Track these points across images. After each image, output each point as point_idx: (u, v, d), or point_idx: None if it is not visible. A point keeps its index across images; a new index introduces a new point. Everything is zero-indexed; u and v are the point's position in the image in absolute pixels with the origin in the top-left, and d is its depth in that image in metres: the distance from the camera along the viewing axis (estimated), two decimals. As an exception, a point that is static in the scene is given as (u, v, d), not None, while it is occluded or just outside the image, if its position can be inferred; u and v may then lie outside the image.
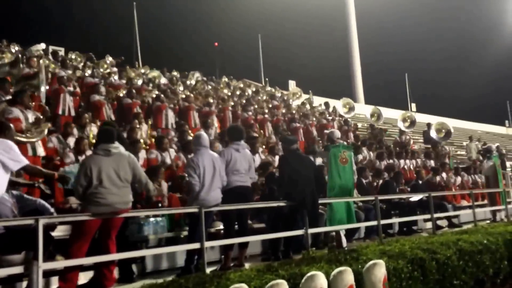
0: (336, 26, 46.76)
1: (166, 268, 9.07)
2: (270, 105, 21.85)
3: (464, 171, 19.47)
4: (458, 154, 27.59)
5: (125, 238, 8.12)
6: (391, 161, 17.94)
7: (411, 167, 18.80)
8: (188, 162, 8.76)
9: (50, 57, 18.87)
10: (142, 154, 11.25)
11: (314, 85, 33.40)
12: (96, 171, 6.86)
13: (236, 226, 9.11)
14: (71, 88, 14.31)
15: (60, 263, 6.83)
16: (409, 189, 15.07)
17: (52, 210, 7.66)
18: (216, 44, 51.56)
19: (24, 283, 6.80)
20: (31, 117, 9.74)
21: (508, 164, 24.11)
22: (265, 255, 9.98)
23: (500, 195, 15.27)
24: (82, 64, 18.80)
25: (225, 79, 25.94)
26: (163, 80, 20.47)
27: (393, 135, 25.43)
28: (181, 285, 6.11)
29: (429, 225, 13.22)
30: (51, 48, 21.91)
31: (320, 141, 18.50)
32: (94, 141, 10.76)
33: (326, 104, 25.67)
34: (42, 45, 20.92)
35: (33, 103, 10.48)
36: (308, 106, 25.23)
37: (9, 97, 10.26)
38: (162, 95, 16.93)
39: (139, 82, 18.85)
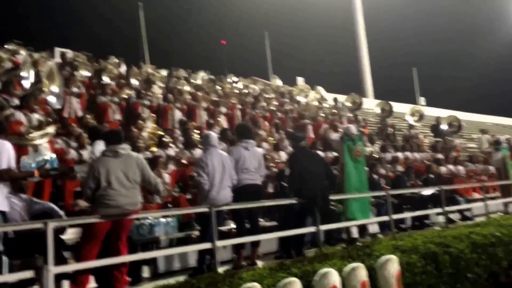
0: (344, 21, 46.50)
1: (178, 268, 9.05)
2: (277, 102, 21.74)
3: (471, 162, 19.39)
4: (468, 147, 27.38)
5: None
6: (398, 153, 17.86)
7: (422, 161, 18.66)
8: (197, 161, 8.73)
9: (59, 59, 18.79)
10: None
11: (323, 81, 33.17)
12: (105, 173, 6.82)
13: (248, 225, 9.06)
14: (76, 90, 14.27)
15: (70, 267, 6.81)
16: (420, 183, 15.00)
17: (61, 213, 7.66)
18: (223, 42, 51.35)
19: (36, 288, 6.78)
20: (36, 120, 9.72)
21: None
22: (278, 253, 9.93)
23: (511, 187, 15.16)
24: (86, 64, 18.63)
25: (232, 78, 25.83)
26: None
27: (402, 129, 25.26)
28: (193, 285, 6.07)
29: (441, 218, 13.12)
30: (58, 50, 21.82)
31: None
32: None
33: (335, 100, 25.54)
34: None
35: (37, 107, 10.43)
36: (315, 103, 25.03)
37: (16, 100, 10.27)
38: (170, 95, 16.88)
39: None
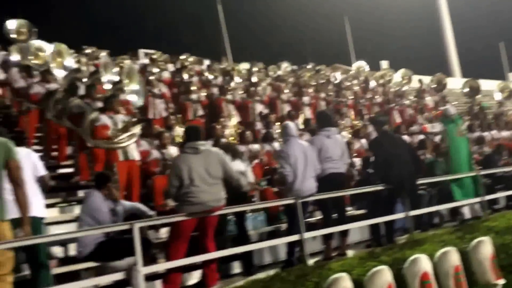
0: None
1: (270, 262, 9.03)
2: (360, 88, 21.36)
3: None
4: None
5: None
6: (485, 133, 17.23)
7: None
8: (278, 153, 8.69)
9: (145, 60, 19.08)
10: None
11: (407, 63, 32.38)
12: (187, 170, 6.84)
13: (335, 215, 8.97)
14: (157, 91, 14.49)
15: (159, 266, 6.93)
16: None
17: (151, 213, 7.78)
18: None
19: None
20: (121, 121, 9.90)
21: None
22: (369, 242, 9.81)
23: None
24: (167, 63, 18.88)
25: (313, 66, 25.56)
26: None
27: (491, 107, 24.35)
28: (283, 278, 6.10)
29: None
30: (143, 51, 22.24)
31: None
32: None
33: (420, 81, 24.79)
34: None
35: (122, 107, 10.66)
36: (404, 87, 24.37)
37: (99, 103, 10.51)
38: (252, 88, 16.94)
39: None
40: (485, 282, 6.52)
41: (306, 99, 17.68)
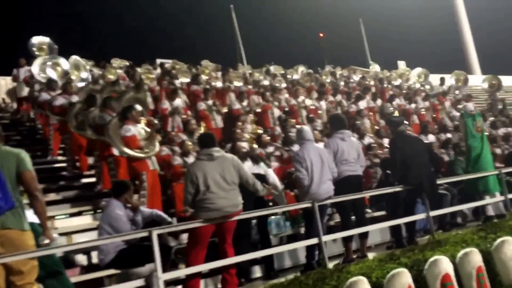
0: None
1: (290, 266, 9.05)
2: (376, 90, 21.15)
3: None
4: None
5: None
6: (509, 129, 16.99)
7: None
8: (294, 157, 8.66)
9: (158, 70, 19.22)
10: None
11: (425, 62, 32.12)
12: (202, 177, 6.88)
13: (353, 217, 8.91)
14: (178, 102, 14.43)
15: (179, 272, 6.95)
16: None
17: (169, 219, 7.84)
18: (321, 34, 50.90)
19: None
20: (143, 131, 9.97)
21: None
22: (390, 243, 9.73)
23: None
24: (185, 71, 18.91)
25: (328, 68, 25.42)
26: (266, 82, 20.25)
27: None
28: (301, 282, 6.04)
29: None
30: (158, 61, 22.38)
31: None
32: None
33: (442, 79, 24.45)
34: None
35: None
36: (425, 86, 24.08)
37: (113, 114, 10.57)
38: (268, 93, 16.91)
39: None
40: (510, 283, 6.39)
41: (322, 103, 17.54)
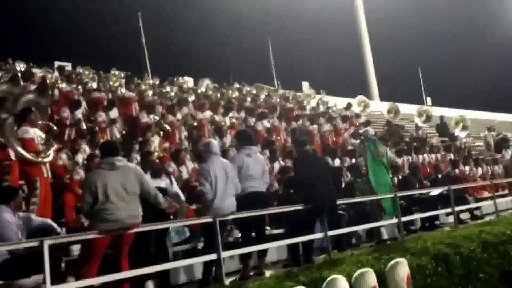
0: (346, 23, 46.43)
1: (185, 281, 8.89)
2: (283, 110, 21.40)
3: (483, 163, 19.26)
4: (476, 145, 27.12)
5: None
6: (411, 157, 17.75)
7: (430, 162, 18.55)
8: (199, 170, 8.57)
9: (56, 73, 18.54)
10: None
11: (328, 84, 33.05)
12: (102, 187, 6.63)
13: (254, 233, 8.89)
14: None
15: (69, 286, 6.65)
16: (429, 183, 14.86)
17: (59, 230, 7.52)
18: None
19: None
20: (39, 136, 9.54)
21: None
22: (287, 261, 9.78)
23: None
24: (89, 78, 18.43)
25: (236, 85, 25.49)
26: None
27: (410, 130, 25.07)
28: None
29: (451, 219, 12.94)
30: (57, 63, 21.81)
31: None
32: None
33: (348, 105, 25.01)
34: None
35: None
36: (321, 107, 24.67)
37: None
38: (176, 107, 16.64)
39: (150, 93, 18.42)
40: (402, 303, 6.59)
41: (227, 119, 17.48)
